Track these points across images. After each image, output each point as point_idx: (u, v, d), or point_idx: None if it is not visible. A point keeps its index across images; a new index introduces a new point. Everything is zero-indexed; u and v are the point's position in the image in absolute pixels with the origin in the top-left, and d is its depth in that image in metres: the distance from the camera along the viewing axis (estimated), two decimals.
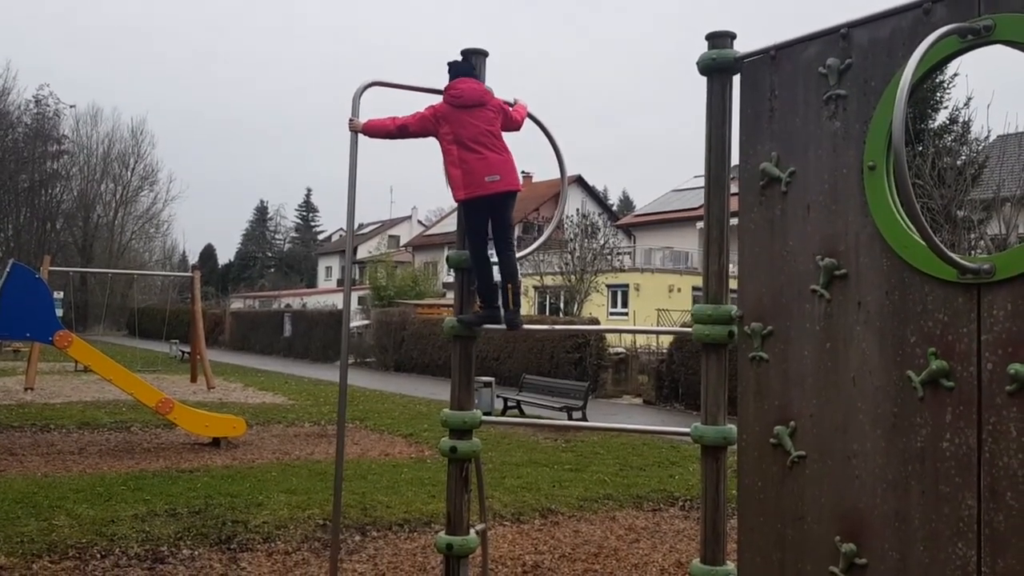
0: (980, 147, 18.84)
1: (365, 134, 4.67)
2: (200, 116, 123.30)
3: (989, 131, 18.46)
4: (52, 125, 55.87)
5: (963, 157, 18.03)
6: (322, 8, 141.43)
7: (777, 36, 3.63)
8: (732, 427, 3.73)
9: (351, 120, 4.67)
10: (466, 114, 4.58)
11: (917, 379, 3.02)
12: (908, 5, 3.17)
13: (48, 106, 55.33)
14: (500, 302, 4.71)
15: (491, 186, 4.54)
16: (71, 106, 59.43)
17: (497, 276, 4.78)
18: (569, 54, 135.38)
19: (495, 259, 4.80)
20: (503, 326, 4.73)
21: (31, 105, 54.32)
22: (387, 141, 4.82)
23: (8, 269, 10.84)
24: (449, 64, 4.75)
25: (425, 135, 4.67)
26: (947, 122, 19.82)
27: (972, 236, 15.60)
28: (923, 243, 2.95)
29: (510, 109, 4.92)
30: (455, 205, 4.91)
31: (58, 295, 22.37)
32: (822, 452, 3.32)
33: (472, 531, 4.69)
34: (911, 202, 2.78)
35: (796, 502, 3.40)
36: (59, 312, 15.67)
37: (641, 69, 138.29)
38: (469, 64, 4.73)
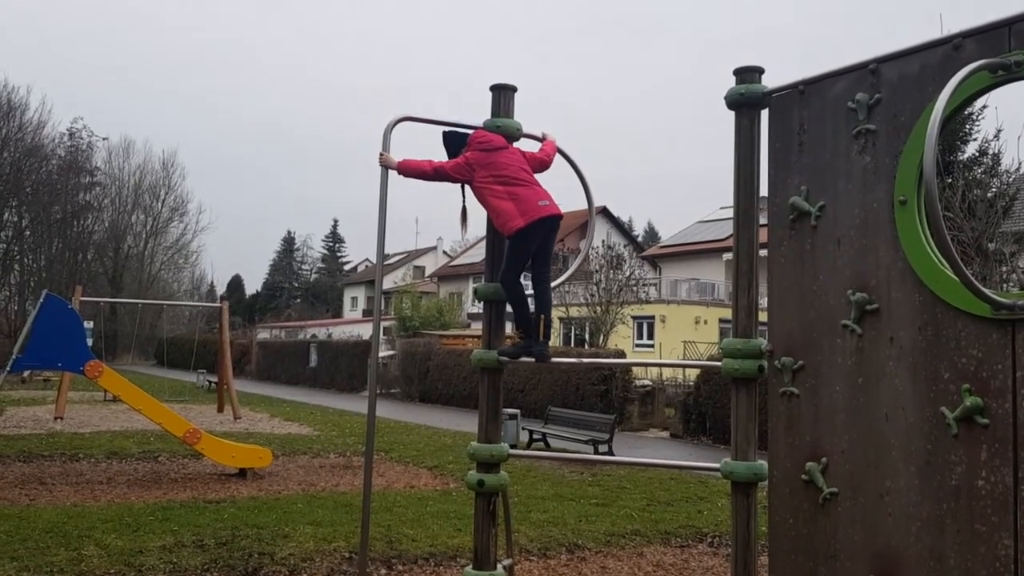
0: (1011, 179, 18.68)
1: (400, 172, 4.75)
2: (230, 147, 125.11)
3: (1020, 163, 18.35)
4: (85, 157, 56.92)
5: (994, 189, 17.88)
6: (353, 41, 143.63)
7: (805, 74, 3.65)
8: (763, 463, 3.69)
9: (382, 154, 4.73)
10: (499, 155, 4.71)
11: (951, 416, 2.99)
12: (937, 41, 3.18)
13: (82, 139, 56.46)
14: (533, 333, 4.76)
15: (545, 209, 4.68)
16: (104, 138, 60.65)
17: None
18: (593, 86, 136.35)
19: (528, 290, 4.84)
20: (532, 359, 4.76)
21: (65, 138, 55.46)
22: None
23: (42, 299, 11.00)
24: (445, 134, 4.94)
25: (459, 181, 4.78)
26: (977, 154, 19.69)
27: (1004, 269, 15.43)
28: (956, 278, 2.93)
29: (538, 149, 5.03)
30: (481, 236, 4.96)
31: (88, 325, 22.66)
32: (855, 489, 3.28)
33: (499, 566, 4.67)
34: (943, 237, 2.77)
35: (828, 540, 3.35)
36: (89, 342, 15.86)
37: (668, 100, 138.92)
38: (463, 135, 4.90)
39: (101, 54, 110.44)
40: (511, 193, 4.64)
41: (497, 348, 4.74)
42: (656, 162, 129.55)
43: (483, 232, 4.89)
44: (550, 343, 4.87)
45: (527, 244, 4.70)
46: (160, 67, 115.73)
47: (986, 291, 2.86)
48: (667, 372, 25.35)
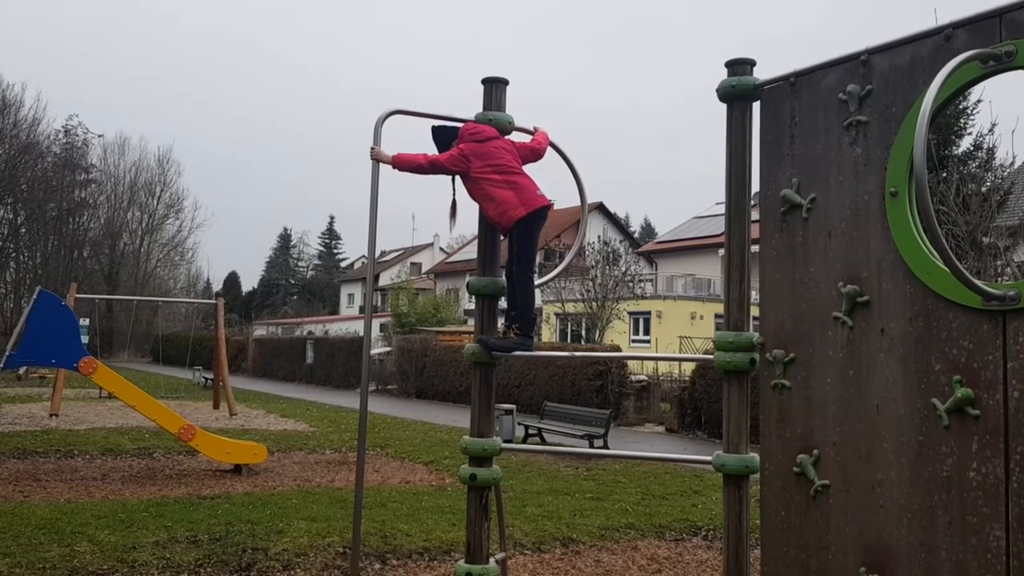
0: (1005, 173, 18.68)
1: (394, 167, 4.69)
2: (226, 145, 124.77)
3: (1014, 157, 18.30)
4: (80, 154, 56.77)
5: (988, 183, 17.87)
6: (350, 42, 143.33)
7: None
8: (755, 456, 3.68)
9: (373, 148, 4.70)
10: (492, 145, 4.67)
11: (942, 407, 2.98)
12: (929, 31, 3.16)
13: (77, 136, 56.33)
14: (532, 331, 4.75)
15: (543, 199, 4.67)
16: (99, 135, 60.62)
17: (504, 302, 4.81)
18: (593, 84, 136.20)
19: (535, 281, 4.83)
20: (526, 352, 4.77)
21: (60, 135, 55.30)
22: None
23: (35, 296, 10.97)
24: (434, 128, 4.87)
25: (456, 173, 4.72)
26: (971, 148, 19.66)
27: (998, 263, 15.44)
28: (947, 269, 2.92)
29: (530, 140, 4.98)
30: (476, 232, 4.93)
31: (84, 322, 22.61)
32: (846, 481, 3.28)
33: (492, 560, 4.66)
34: (934, 228, 2.75)
35: (820, 532, 3.35)
36: (85, 339, 15.81)
37: (664, 97, 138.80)
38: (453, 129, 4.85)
39: (98, 51, 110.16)
40: (510, 182, 4.61)
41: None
42: (653, 158, 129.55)
43: (472, 227, 4.85)
44: (544, 338, 4.87)
45: (532, 233, 4.68)
46: (159, 66, 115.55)
47: (977, 282, 2.85)
48: (663, 367, 25.37)
